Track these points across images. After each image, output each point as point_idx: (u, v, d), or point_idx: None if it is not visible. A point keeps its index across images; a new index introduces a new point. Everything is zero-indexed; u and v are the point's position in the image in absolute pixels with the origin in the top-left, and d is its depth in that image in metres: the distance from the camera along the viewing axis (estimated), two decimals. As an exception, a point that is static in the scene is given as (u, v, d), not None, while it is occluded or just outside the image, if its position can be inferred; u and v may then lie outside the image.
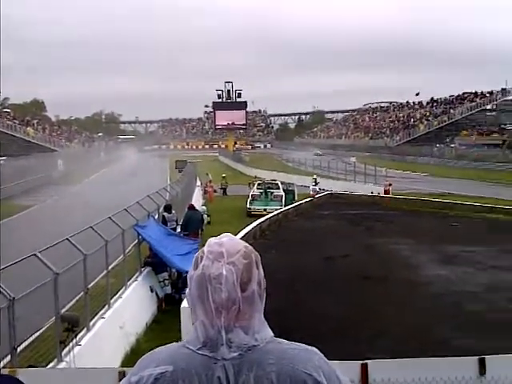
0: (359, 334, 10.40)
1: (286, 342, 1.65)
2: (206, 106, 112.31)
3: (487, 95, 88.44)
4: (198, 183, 39.40)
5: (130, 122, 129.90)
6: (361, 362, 5.73)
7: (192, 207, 17.79)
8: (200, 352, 1.59)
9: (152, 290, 13.66)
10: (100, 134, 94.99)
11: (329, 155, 68.03)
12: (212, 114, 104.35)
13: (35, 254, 9.22)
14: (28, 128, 68.67)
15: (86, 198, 33.49)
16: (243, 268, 1.60)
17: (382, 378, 5.72)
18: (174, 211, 16.73)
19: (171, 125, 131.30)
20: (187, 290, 1.68)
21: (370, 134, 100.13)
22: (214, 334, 1.58)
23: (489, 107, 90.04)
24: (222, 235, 1.70)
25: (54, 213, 29.94)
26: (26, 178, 41.79)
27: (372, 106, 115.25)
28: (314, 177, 39.11)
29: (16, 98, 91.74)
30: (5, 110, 75.90)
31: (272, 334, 1.66)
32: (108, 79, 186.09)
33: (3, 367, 7.43)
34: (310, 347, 1.66)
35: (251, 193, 30.65)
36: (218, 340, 1.57)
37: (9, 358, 8.15)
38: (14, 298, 8.01)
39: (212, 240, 1.68)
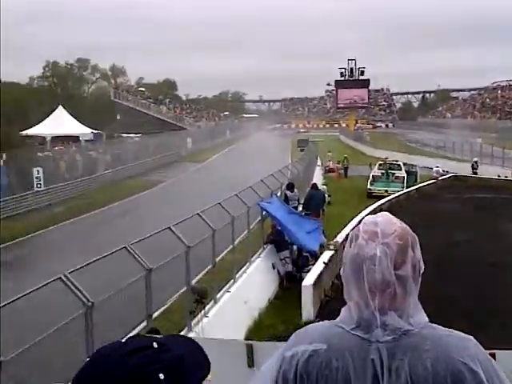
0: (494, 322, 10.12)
1: (440, 327, 1.58)
2: (328, 85, 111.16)
3: None
4: (319, 163, 39.46)
5: (254, 101, 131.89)
6: (488, 351, 5.52)
7: (315, 186, 17.95)
8: (353, 332, 1.56)
9: (274, 267, 13.99)
10: (226, 113, 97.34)
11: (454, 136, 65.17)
12: (334, 92, 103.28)
13: (169, 228, 9.94)
14: (161, 106, 72.01)
15: (213, 175, 34.91)
16: (397, 249, 1.55)
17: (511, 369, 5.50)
18: (296, 190, 16.95)
19: (293, 104, 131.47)
20: (341, 269, 1.66)
21: (499, 114, 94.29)
22: (368, 315, 1.55)
23: None
24: (378, 214, 1.67)
25: (182, 189, 31.47)
26: (158, 155, 44.10)
27: (501, 84, 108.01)
28: (475, 159, 37.31)
29: (150, 78, 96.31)
30: (140, 89, 79.98)
31: (427, 320, 1.60)
32: (236, 58, 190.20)
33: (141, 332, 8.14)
34: (465, 335, 1.59)
35: (372, 173, 30.15)
36: (372, 322, 1.54)
37: (145, 323, 8.94)
38: (150, 269, 8.73)
39: (368, 218, 1.64)
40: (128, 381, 1.00)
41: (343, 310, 1.64)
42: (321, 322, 1.70)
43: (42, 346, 6.22)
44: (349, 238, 1.64)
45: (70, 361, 7.01)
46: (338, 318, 1.64)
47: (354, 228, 1.67)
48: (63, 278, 6.69)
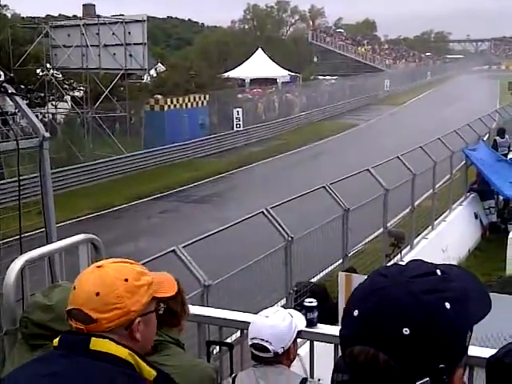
0: None
1: None
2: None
3: None
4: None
5: (459, 41, 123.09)
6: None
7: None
8: None
9: (476, 217, 13.25)
10: (428, 54, 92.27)
11: None
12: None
13: (368, 170, 9.72)
14: (358, 48, 70.54)
15: (409, 119, 33.68)
16: None
17: None
18: (507, 136, 15.71)
19: (504, 43, 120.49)
20: None
21: None
22: None
23: None
24: None
25: (377, 132, 30.84)
26: (354, 98, 43.57)
27: None
28: None
29: (349, 19, 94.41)
30: (338, 30, 79.00)
31: None
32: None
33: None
34: None
35: None
36: None
37: (340, 261, 8.97)
38: (348, 209, 8.65)
39: None
40: (415, 306, 0.96)
41: None
42: None
43: (246, 272, 6.52)
44: None
45: (268, 289, 7.30)
46: None
47: None
48: (265, 212, 6.84)
